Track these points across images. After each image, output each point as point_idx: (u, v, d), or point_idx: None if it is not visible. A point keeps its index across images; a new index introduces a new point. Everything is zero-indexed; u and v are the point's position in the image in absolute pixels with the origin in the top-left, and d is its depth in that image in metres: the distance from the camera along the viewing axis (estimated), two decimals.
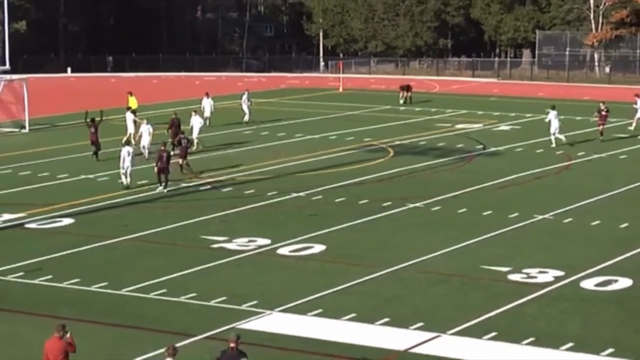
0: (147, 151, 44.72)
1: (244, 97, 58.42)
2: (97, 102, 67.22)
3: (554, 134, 50.21)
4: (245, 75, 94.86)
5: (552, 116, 50.44)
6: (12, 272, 28.41)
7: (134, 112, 51.64)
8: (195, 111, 50.24)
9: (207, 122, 54.75)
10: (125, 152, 39.89)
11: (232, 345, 18.70)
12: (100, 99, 69.24)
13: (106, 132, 48.17)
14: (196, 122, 48.88)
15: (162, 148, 40.19)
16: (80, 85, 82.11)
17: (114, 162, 42.84)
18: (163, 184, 39.24)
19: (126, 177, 39.81)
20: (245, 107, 57.92)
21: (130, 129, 48.39)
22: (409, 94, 69.24)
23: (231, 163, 45.21)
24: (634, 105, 55.32)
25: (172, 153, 41.08)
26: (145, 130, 45.38)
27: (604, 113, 51.77)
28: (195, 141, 47.83)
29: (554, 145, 49.89)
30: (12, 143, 50.43)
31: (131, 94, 56.38)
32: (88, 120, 46.32)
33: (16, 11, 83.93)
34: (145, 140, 45.07)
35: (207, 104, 56.20)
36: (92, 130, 45.88)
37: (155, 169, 39.33)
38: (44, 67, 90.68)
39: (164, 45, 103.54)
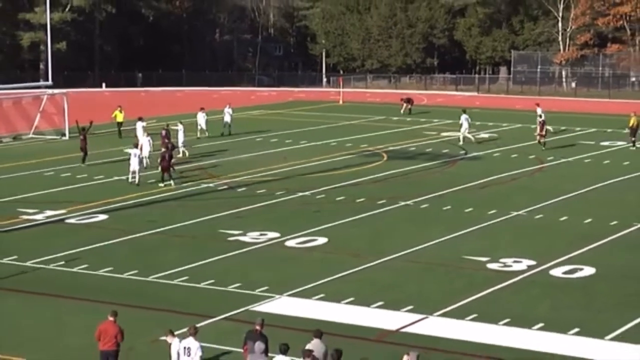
0: (147, 160, 42.89)
1: (227, 109, 56.34)
2: (128, 113, 67.35)
3: (463, 133, 52.41)
4: (258, 89, 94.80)
5: (463, 119, 52.63)
6: (54, 261, 28.45)
7: (120, 125, 52.96)
8: (181, 122, 48.80)
9: (206, 133, 53.93)
10: (133, 154, 40.52)
11: (257, 327, 18.70)
12: (130, 111, 69.28)
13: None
14: (181, 132, 47.13)
15: (164, 149, 41.09)
16: (113, 99, 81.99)
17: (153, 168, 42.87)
18: (167, 179, 39.84)
19: (134, 177, 40.17)
20: (227, 119, 55.83)
21: (140, 137, 46.27)
22: (410, 106, 69.07)
23: (245, 166, 45.17)
24: (537, 113, 54.99)
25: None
26: (146, 141, 44.03)
27: (540, 120, 51.02)
28: (181, 149, 46.77)
29: (461, 143, 52.13)
30: (54, 148, 50.45)
31: (121, 109, 55.51)
32: (79, 128, 45.89)
33: (58, 33, 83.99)
34: (146, 151, 43.16)
35: (202, 118, 54.16)
36: (82, 137, 45.06)
37: (160, 167, 40.01)
38: (81, 82, 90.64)
39: (186, 63, 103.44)
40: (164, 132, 46.65)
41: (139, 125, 49.08)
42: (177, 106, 71.77)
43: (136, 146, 41.67)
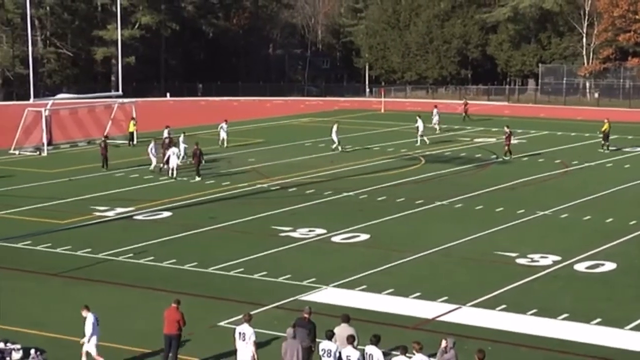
0: (175, 172, 42.15)
1: (223, 125, 53.51)
2: (190, 120, 67.82)
3: (421, 135, 54.09)
4: (306, 99, 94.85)
5: (419, 123, 54.22)
6: (123, 253, 28.65)
7: (132, 135, 53.16)
8: (184, 132, 48.62)
9: (224, 143, 52.12)
10: (171, 152, 42.34)
11: (305, 315, 18.67)
12: (192, 118, 69.70)
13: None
14: (182, 142, 46.17)
15: (196, 147, 42.49)
16: (176, 107, 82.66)
17: (206, 168, 43.10)
18: (198, 174, 41.76)
19: (172, 172, 41.90)
20: (223, 134, 52.96)
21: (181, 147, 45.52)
22: (466, 108, 69.10)
23: (295, 168, 45.24)
24: (433, 114, 59.87)
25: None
26: (171, 152, 42.70)
27: (507, 132, 50.06)
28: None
29: (418, 144, 53.30)
30: (123, 152, 50.84)
31: (134, 119, 54.71)
32: (102, 139, 46.11)
33: (128, 49, 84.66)
34: (173, 162, 42.23)
35: (222, 131, 52.73)
36: (103, 145, 45.13)
37: (193, 162, 42.21)
38: (148, 92, 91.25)
39: (242, 75, 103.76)
40: (196, 148, 44.83)
41: (165, 132, 48.54)
42: (234, 114, 71.97)
43: (176, 145, 43.50)
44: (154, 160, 44.25)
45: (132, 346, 20.53)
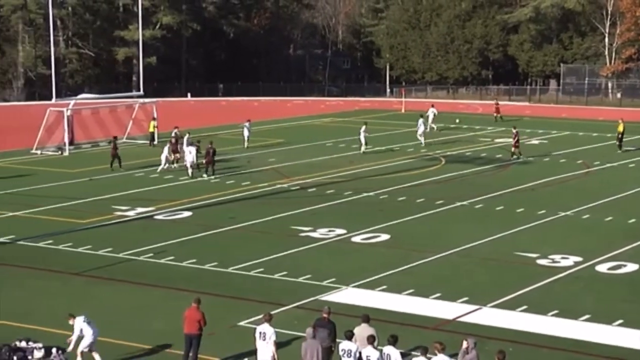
0: (190, 171, 42.49)
1: (247, 124, 53.27)
2: (211, 120, 68.01)
3: (420, 135, 53.84)
4: (327, 99, 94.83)
5: (420, 123, 54.38)
6: (143, 253, 28.74)
7: (153, 135, 53.27)
8: (189, 133, 47.95)
9: (246, 144, 51.91)
10: (188, 150, 42.88)
11: (324, 315, 18.68)
12: (213, 118, 69.88)
13: (218, 143, 48.44)
14: (185, 141, 45.72)
15: (209, 146, 43.09)
16: (197, 107, 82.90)
17: (221, 168, 43.18)
18: (210, 173, 42.42)
19: (190, 169, 42.35)
20: (246, 133, 52.79)
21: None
22: (497, 108, 68.93)
23: (315, 169, 45.26)
24: (429, 113, 60.98)
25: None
26: (187, 151, 43.17)
27: (515, 133, 49.58)
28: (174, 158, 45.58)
29: (423, 144, 53.08)
30: (143, 152, 50.97)
31: (154, 120, 54.44)
32: (112, 140, 46.15)
33: (149, 49, 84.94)
34: (189, 160, 42.59)
35: (246, 129, 52.61)
36: (113, 146, 45.21)
37: (205, 161, 42.67)
38: (169, 92, 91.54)
39: (263, 75, 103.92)
40: (209, 146, 44.41)
41: (172, 132, 48.86)
42: (254, 114, 72.08)
43: (192, 143, 43.76)
44: (163, 161, 44.30)
45: (152, 345, 20.59)
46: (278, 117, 71.18)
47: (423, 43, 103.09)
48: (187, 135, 46.94)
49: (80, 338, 19.19)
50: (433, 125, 60.66)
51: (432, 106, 64.38)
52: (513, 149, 49.40)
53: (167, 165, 44.48)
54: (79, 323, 19.26)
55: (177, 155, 45.78)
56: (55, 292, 24.76)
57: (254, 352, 18.50)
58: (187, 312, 19.42)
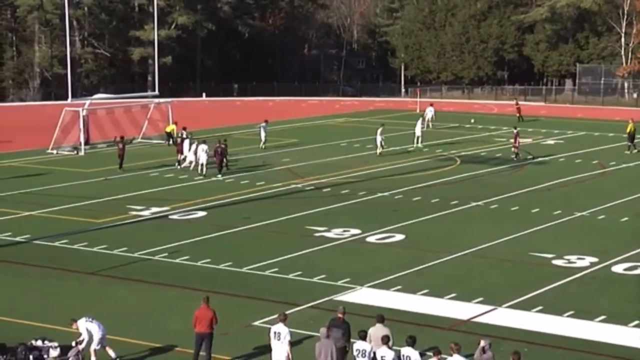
0: (204, 169, 42.70)
1: (264, 125, 52.83)
2: (226, 120, 68.09)
3: (418, 137, 53.22)
4: (342, 99, 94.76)
5: (418, 123, 54.08)
6: (159, 252, 28.81)
7: (170, 135, 52.99)
8: (190, 133, 48.37)
9: (263, 145, 51.57)
10: (200, 149, 43.06)
11: (339, 315, 18.70)
12: (227, 118, 69.95)
13: (233, 143, 48.58)
14: (186, 142, 45.81)
15: (218, 144, 43.26)
16: (212, 107, 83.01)
17: (235, 169, 43.18)
18: (222, 172, 42.60)
19: (202, 168, 42.62)
20: (262, 135, 52.13)
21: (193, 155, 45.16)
22: (518, 108, 68.47)
23: (330, 169, 45.23)
24: (427, 112, 62.23)
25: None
26: (201, 149, 43.14)
27: (515, 133, 49.52)
28: (183, 157, 45.44)
29: (420, 145, 52.54)
30: (159, 152, 51.10)
31: (176, 123, 54.03)
32: (118, 139, 46.06)
33: (164, 49, 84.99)
34: (203, 159, 42.75)
35: (262, 130, 52.29)
36: (120, 146, 45.15)
37: (216, 162, 42.85)
38: (184, 92, 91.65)
39: (278, 75, 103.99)
40: (219, 149, 44.35)
41: (183, 134, 48.78)
42: (269, 114, 72.19)
43: (204, 142, 43.96)
44: (189, 157, 44.56)
45: (166, 344, 20.63)
46: (293, 117, 71.20)
47: (438, 43, 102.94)
48: (190, 135, 47.17)
49: (90, 338, 19.24)
50: (430, 124, 61.56)
51: (431, 105, 65.61)
52: (513, 148, 49.28)
53: (191, 164, 44.13)
54: (83, 325, 19.31)
55: (181, 155, 45.64)
56: (70, 292, 24.85)
57: (268, 352, 18.51)
58: (198, 312, 19.42)
